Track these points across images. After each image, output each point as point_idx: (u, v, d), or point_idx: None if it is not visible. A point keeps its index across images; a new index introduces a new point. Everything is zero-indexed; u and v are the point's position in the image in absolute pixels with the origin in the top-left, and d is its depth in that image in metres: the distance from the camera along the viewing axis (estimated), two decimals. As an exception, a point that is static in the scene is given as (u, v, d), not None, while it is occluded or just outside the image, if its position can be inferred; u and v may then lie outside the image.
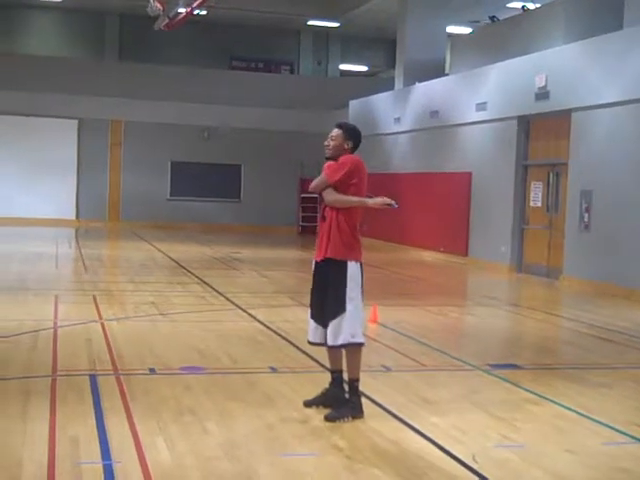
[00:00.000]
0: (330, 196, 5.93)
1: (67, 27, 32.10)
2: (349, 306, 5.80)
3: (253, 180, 29.21)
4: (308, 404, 6.09)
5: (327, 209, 5.99)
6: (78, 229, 26.41)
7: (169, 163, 28.73)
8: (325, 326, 5.90)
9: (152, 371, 7.19)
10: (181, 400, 6.25)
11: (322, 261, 5.95)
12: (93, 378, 6.82)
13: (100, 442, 5.13)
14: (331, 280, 5.86)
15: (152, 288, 13.01)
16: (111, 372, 7.08)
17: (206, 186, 28.75)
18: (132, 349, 8.11)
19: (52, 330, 8.90)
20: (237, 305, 11.21)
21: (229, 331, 9.35)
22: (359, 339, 5.88)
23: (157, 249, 20.16)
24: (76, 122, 27.92)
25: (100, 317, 9.88)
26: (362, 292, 5.96)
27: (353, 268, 5.87)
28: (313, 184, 6.02)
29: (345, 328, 5.79)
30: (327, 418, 5.78)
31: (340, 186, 5.89)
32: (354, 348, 5.91)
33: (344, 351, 6.00)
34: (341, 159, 5.95)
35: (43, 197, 27.28)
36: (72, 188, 28.04)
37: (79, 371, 7.07)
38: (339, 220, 5.90)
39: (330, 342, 5.87)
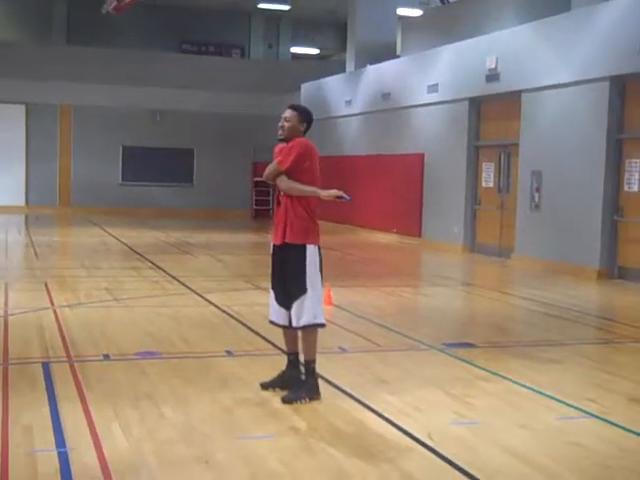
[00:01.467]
0: (283, 184, 5.89)
1: (13, 10, 31.48)
2: (309, 288, 5.82)
3: (205, 164, 29.03)
4: (265, 386, 6.09)
5: (282, 194, 5.96)
6: (28, 215, 26.01)
7: (120, 148, 28.40)
8: (288, 308, 5.92)
9: (106, 357, 7.13)
10: (137, 386, 6.21)
11: (281, 245, 5.93)
12: (46, 366, 6.73)
13: (54, 430, 5.07)
14: (291, 264, 5.87)
15: (105, 274, 12.88)
16: (65, 359, 7.00)
17: (158, 171, 28.49)
18: (86, 335, 8.02)
19: (2, 318, 8.76)
20: (192, 289, 11.15)
21: (184, 315, 9.30)
22: (320, 320, 5.91)
23: (109, 234, 19.95)
24: (24, 107, 27.44)
25: (52, 304, 9.76)
26: (321, 274, 5.97)
27: (311, 251, 5.87)
28: (266, 172, 5.96)
29: (307, 309, 5.82)
30: (284, 400, 5.78)
31: (293, 172, 5.84)
32: (311, 329, 5.93)
33: (300, 333, 6.00)
34: (290, 143, 5.90)
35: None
36: (21, 174, 27.60)
37: (32, 359, 6.98)
38: (295, 205, 5.86)
39: (294, 323, 5.90)
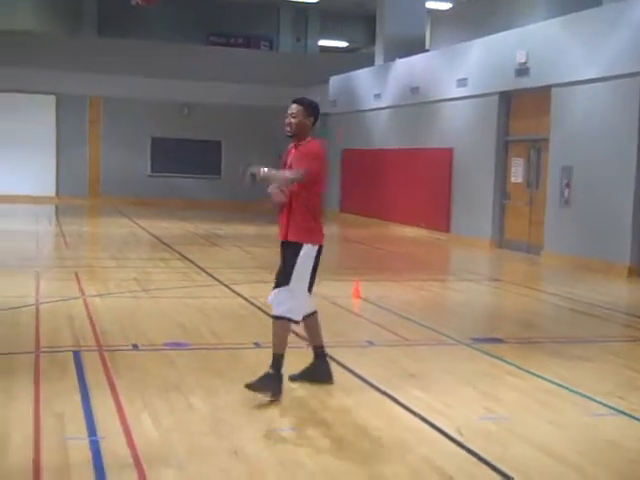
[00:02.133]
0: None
1: (45, 2, 31.70)
2: (293, 283, 5.77)
3: (233, 156, 29.06)
4: (294, 379, 6.10)
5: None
6: (58, 206, 26.22)
7: (149, 139, 28.53)
8: None
9: (135, 347, 7.19)
10: (165, 376, 6.25)
11: (282, 242, 5.94)
12: (77, 354, 6.80)
13: (86, 418, 5.13)
14: (285, 259, 5.87)
15: (134, 264, 12.96)
16: (95, 348, 7.07)
17: (186, 162, 28.59)
18: (115, 325, 8.09)
19: (34, 307, 8.86)
20: (220, 281, 11.19)
21: (212, 307, 9.35)
22: (295, 316, 5.81)
23: (138, 225, 20.07)
24: (54, 98, 27.64)
25: (82, 294, 9.85)
26: (313, 277, 5.93)
27: (307, 251, 5.81)
28: (285, 176, 5.83)
29: (284, 300, 5.76)
30: (247, 385, 5.66)
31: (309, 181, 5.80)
32: (282, 322, 5.81)
33: (277, 323, 5.86)
34: (308, 149, 5.81)
35: (22, 174, 27.04)
36: (52, 165, 27.81)
37: (62, 347, 7.05)
38: (298, 205, 5.81)
39: (272, 312, 5.87)
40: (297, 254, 5.77)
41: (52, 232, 18.63)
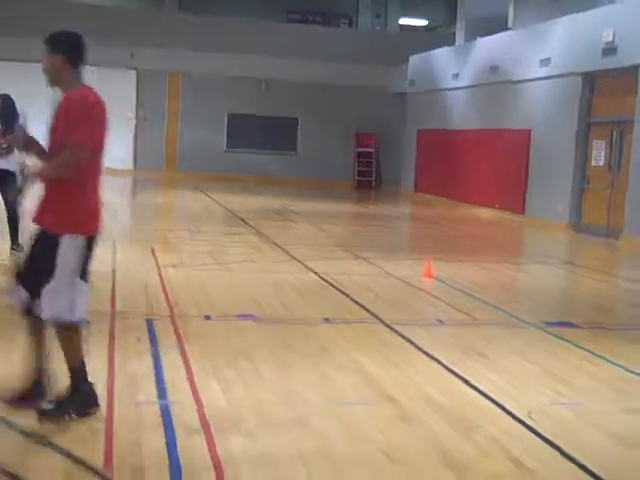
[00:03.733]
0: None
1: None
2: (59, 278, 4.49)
3: (310, 133, 29.10)
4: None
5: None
6: (135, 178, 26.67)
7: (226, 115, 28.74)
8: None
9: (208, 317, 7.26)
10: (236, 346, 6.31)
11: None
12: (150, 321, 6.91)
13: (157, 382, 5.21)
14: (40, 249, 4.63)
15: (208, 238, 13.10)
16: (168, 316, 7.17)
17: (263, 139, 28.73)
18: (188, 295, 8.19)
19: (111, 275, 9.03)
20: (293, 256, 11.23)
21: (284, 281, 9.38)
22: (70, 317, 4.52)
23: (213, 200, 20.27)
24: (135, 72, 28.06)
25: (157, 264, 9.99)
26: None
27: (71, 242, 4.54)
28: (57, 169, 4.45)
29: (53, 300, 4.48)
30: (41, 412, 4.48)
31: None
32: (64, 329, 4.56)
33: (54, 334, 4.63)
34: (75, 101, 4.46)
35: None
36: (130, 138, 28.28)
37: (137, 314, 7.17)
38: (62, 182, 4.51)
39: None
40: (56, 247, 4.47)
41: (129, 204, 18.96)
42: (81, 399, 4.56)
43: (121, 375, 5.31)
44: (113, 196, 19.54)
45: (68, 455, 3.99)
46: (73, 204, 4.47)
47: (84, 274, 4.67)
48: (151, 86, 28.14)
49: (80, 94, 4.53)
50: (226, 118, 28.75)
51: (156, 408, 4.73)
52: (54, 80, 4.61)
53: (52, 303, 4.46)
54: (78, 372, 4.60)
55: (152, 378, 5.29)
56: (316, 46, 28.51)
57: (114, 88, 27.51)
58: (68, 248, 4.49)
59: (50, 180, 4.50)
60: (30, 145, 4.65)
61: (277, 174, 28.41)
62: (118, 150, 27.82)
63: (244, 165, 28.54)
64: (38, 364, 4.68)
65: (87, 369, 4.69)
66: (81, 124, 4.40)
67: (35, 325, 4.64)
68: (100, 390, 4.90)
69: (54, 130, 4.51)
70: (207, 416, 4.64)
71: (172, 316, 7.19)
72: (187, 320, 7.07)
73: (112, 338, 6.24)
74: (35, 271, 4.53)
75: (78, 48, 4.66)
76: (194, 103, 28.32)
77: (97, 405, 4.62)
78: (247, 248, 12.06)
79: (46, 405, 4.53)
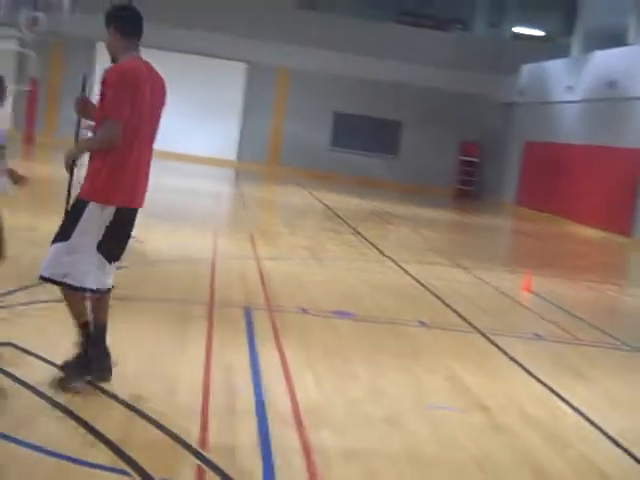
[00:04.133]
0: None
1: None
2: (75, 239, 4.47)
3: (412, 137, 28.96)
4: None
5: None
6: (238, 170, 27.08)
7: (331, 113, 28.87)
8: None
9: (304, 311, 7.32)
10: (330, 342, 6.35)
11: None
12: (247, 310, 7.01)
13: (252, 371, 5.29)
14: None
15: (307, 233, 13.22)
16: (264, 307, 7.26)
17: (366, 139, 28.75)
18: (285, 288, 8.28)
19: (210, 262, 9.20)
20: (389, 258, 11.21)
21: (380, 282, 9.39)
22: (75, 282, 4.48)
23: (314, 197, 20.40)
24: (244, 65, 28.48)
25: (256, 255, 10.13)
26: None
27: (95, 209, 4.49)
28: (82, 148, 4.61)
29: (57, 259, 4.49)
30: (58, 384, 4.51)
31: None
32: (66, 290, 4.55)
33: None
34: (111, 74, 4.47)
35: (207, 136, 28.09)
36: (236, 130, 28.72)
37: (234, 303, 7.29)
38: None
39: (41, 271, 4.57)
40: (81, 212, 4.48)
41: (231, 194, 19.28)
42: (84, 364, 4.54)
43: (217, 361, 5.40)
44: (216, 186, 19.92)
45: (163, 429, 4.10)
46: (104, 174, 4.43)
47: (110, 250, 4.56)
48: (260, 80, 28.51)
49: (119, 65, 4.54)
50: (331, 116, 28.87)
51: (251, 395, 4.79)
52: (111, 54, 4.64)
53: (56, 261, 4.45)
54: (84, 335, 4.57)
55: (248, 367, 5.36)
56: (426, 50, 28.35)
57: (224, 79, 28.15)
58: (91, 215, 4.45)
59: (93, 151, 4.52)
60: (86, 111, 4.72)
61: (378, 176, 28.38)
62: (223, 140, 28.39)
63: (346, 165, 28.61)
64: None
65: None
66: (110, 94, 4.41)
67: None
68: (197, 375, 5.01)
69: (99, 101, 4.52)
70: (299, 407, 4.68)
71: (269, 307, 7.28)
72: (284, 312, 7.14)
73: (211, 325, 6.35)
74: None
75: (128, 20, 4.62)
76: (301, 99, 28.53)
77: (104, 375, 4.56)
78: (344, 246, 12.10)
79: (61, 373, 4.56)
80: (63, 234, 4.48)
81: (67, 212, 4.60)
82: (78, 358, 4.59)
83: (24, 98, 25.01)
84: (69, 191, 4.67)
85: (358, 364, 5.78)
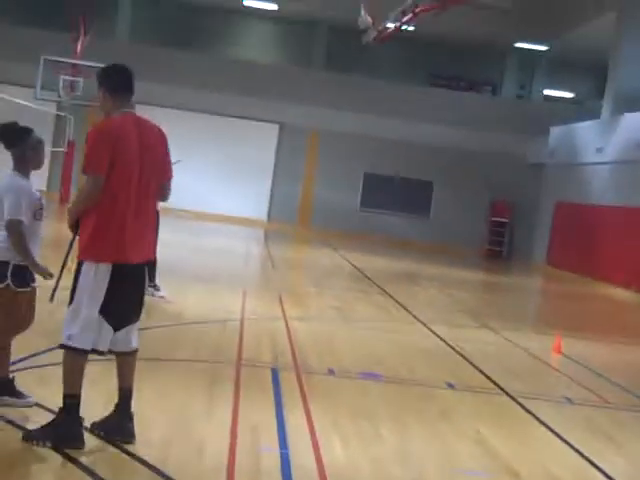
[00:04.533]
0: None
1: (278, 35, 33.29)
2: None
3: (443, 198, 29.03)
4: (93, 428, 4.78)
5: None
6: (268, 230, 27.26)
7: (362, 174, 29.07)
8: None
9: (331, 372, 7.30)
10: (358, 403, 6.32)
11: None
12: (275, 371, 7.01)
13: (278, 431, 5.27)
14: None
15: (335, 293, 13.20)
16: (292, 368, 7.25)
17: (397, 200, 28.86)
18: (313, 348, 8.26)
19: (239, 322, 9.23)
20: (418, 319, 11.16)
21: (408, 343, 9.35)
22: (73, 343, 4.51)
23: (343, 257, 20.43)
24: (277, 127, 28.88)
25: (284, 315, 10.14)
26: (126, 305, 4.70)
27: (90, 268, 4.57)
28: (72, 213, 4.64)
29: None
30: (23, 437, 4.57)
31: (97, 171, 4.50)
32: (66, 352, 4.58)
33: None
34: (89, 135, 4.58)
35: (238, 197, 28.38)
36: (266, 190, 28.99)
37: (262, 363, 7.29)
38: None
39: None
40: (78, 273, 4.56)
41: (260, 254, 19.38)
42: (59, 431, 4.49)
43: (244, 421, 5.40)
44: (245, 245, 20.05)
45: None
46: (90, 230, 4.50)
47: (116, 313, 4.57)
48: (291, 141, 28.87)
49: (99, 122, 4.65)
50: (362, 177, 29.07)
51: (276, 456, 4.78)
52: (104, 113, 4.73)
53: (65, 326, 4.54)
54: (67, 402, 4.52)
55: (274, 427, 5.35)
56: (457, 111, 28.55)
57: (256, 140, 28.55)
58: (86, 275, 4.51)
59: (80, 209, 4.57)
60: None
61: (408, 237, 28.40)
62: (254, 201, 28.65)
63: (376, 225, 28.69)
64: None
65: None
66: (87, 150, 4.51)
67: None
68: (224, 435, 5.01)
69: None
70: (326, 471, 4.65)
71: (297, 368, 7.27)
72: (311, 373, 7.13)
73: (238, 386, 6.35)
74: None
75: (115, 78, 4.72)
76: (331, 160, 28.78)
77: (77, 445, 4.47)
78: (372, 307, 12.09)
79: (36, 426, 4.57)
80: (70, 297, 4.56)
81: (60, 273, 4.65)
82: (53, 422, 4.54)
83: (60, 160, 25.56)
84: (68, 252, 4.73)
85: (385, 426, 5.74)
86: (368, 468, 4.81)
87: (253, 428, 5.29)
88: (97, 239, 4.49)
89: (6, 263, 4.90)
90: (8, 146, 5.01)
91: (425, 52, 32.45)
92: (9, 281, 4.88)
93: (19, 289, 4.92)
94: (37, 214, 5.00)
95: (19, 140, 4.98)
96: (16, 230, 4.84)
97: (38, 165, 5.12)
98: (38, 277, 4.99)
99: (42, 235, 5.12)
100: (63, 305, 4.66)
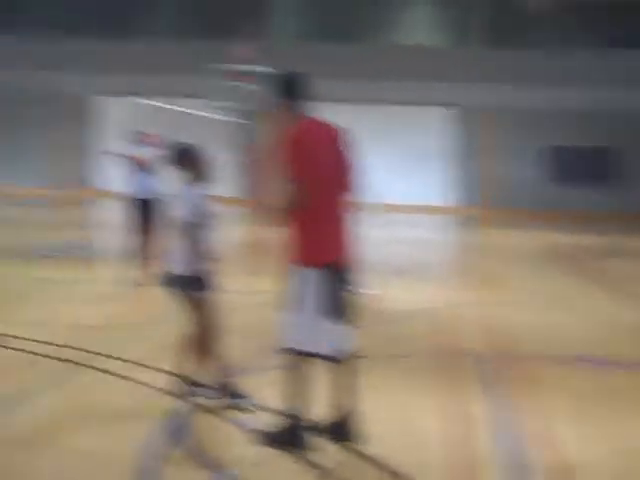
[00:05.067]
0: None
1: (436, 16, 32.56)
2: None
3: (637, 165, 27.51)
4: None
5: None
6: (452, 215, 26.76)
7: (541, 149, 28.08)
8: None
9: (540, 359, 6.97)
10: (571, 391, 5.98)
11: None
12: (481, 361, 6.80)
13: (494, 422, 5.15)
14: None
15: (534, 275, 12.68)
16: (497, 356, 7.00)
17: (583, 172, 27.67)
18: (522, 334, 7.97)
19: (440, 311, 9.09)
20: (629, 296, 10.47)
21: (618, 323, 8.75)
22: (296, 346, 4.60)
23: (535, 236, 19.60)
24: (448, 110, 28.40)
25: (482, 302, 9.83)
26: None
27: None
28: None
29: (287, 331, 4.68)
30: (258, 439, 4.72)
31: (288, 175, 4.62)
32: (289, 356, 4.66)
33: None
34: (286, 137, 4.68)
35: (417, 185, 28.16)
36: (445, 175, 28.60)
37: (468, 351, 7.13)
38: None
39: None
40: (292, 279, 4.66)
41: (448, 241, 19.04)
42: (288, 434, 4.61)
43: (458, 414, 5.31)
44: (431, 233, 19.79)
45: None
46: (302, 237, 4.58)
47: (333, 309, 4.59)
48: (466, 122, 28.33)
49: (293, 129, 4.67)
50: (547, 151, 28.07)
51: (490, 448, 4.67)
52: (285, 119, 4.78)
53: (288, 330, 4.61)
54: (293, 405, 4.62)
55: (487, 417, 5.25)
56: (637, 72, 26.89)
57: (425, 125, 28.32)
58: (300, 280, 4.57)
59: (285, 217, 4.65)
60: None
61: (595, 209, 27.06)
62: (434, 187, 28.33)
63: (567, 200, 27.54)
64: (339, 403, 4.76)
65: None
66: (285, 159, 4.57)
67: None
68: (435, 426, 5.01)
69: (275, 165, 4.69)
70: (555, 462, 4.51)
71: (503, 356, 7.02)
72: (519, 361, 6.88)
73: (445, 377, 6.26)
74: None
75: (288, 86, 4.78)
76: (509, 137, 28.04)
77: (305, 447, 4.55)
78: (575, 287, 11.47)
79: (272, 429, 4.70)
80: (286, 303, 4.64)
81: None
82: (284, 431, 4.65)
83: (241, 167, 26.19)
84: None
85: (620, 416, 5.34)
86: (613, 463, 4.54)
87: (465, 419, 5.20)
88: (306, 245, 4.59)
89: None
90: (182, 169, 5.34)
91: (598, 14, 30.78)
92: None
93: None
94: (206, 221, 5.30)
95: (192, 162, 5.32)
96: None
97: (210, 180, 5.39)
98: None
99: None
100: (278, 311, 4.69)
